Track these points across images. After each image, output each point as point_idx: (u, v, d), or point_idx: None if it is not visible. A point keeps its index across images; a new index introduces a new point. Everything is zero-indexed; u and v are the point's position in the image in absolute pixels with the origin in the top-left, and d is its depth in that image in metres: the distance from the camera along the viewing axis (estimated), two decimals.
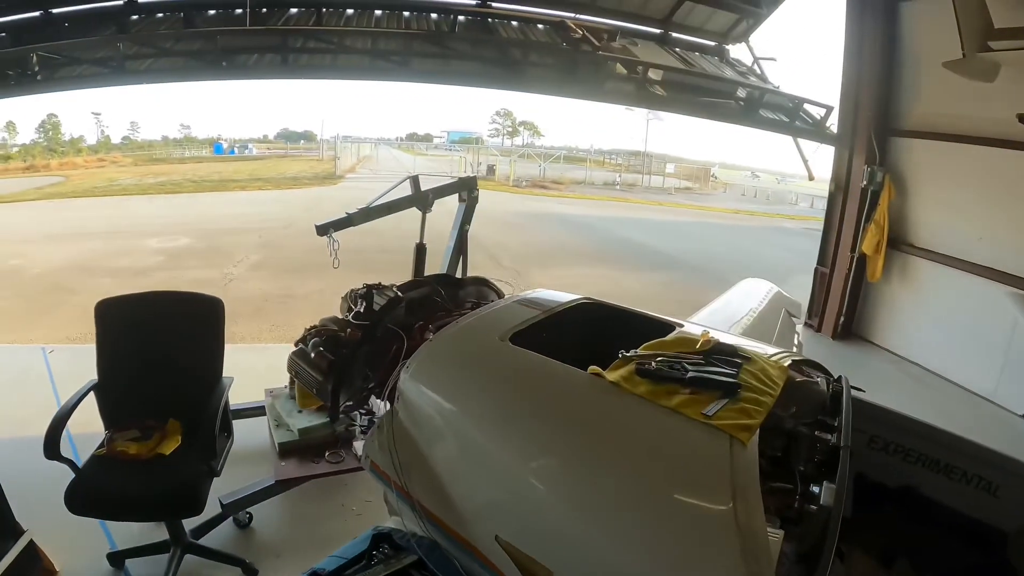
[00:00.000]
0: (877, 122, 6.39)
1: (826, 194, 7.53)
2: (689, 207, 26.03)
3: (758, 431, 1.51)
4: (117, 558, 2.90)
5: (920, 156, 6.27)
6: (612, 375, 1.71)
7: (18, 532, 2.72)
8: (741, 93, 6.56)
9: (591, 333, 2.32)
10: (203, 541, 2.98)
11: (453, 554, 1.77)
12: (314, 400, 2.81)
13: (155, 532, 2.96)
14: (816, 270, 7.47)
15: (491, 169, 32.14)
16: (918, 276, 6.44)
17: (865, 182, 6.49)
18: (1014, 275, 5.36)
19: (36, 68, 4.82)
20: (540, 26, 6.21)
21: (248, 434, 3.64)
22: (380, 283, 2.64)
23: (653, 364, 1.74)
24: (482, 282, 2.91)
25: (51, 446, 2.52)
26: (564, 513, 1.54)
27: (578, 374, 1.77)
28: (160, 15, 5.22)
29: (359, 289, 2.62)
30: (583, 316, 2.38)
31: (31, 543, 2.74)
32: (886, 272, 6.63)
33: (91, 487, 2.57)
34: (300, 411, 3.57)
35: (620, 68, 5.49)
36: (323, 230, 3.29)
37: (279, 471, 3.24)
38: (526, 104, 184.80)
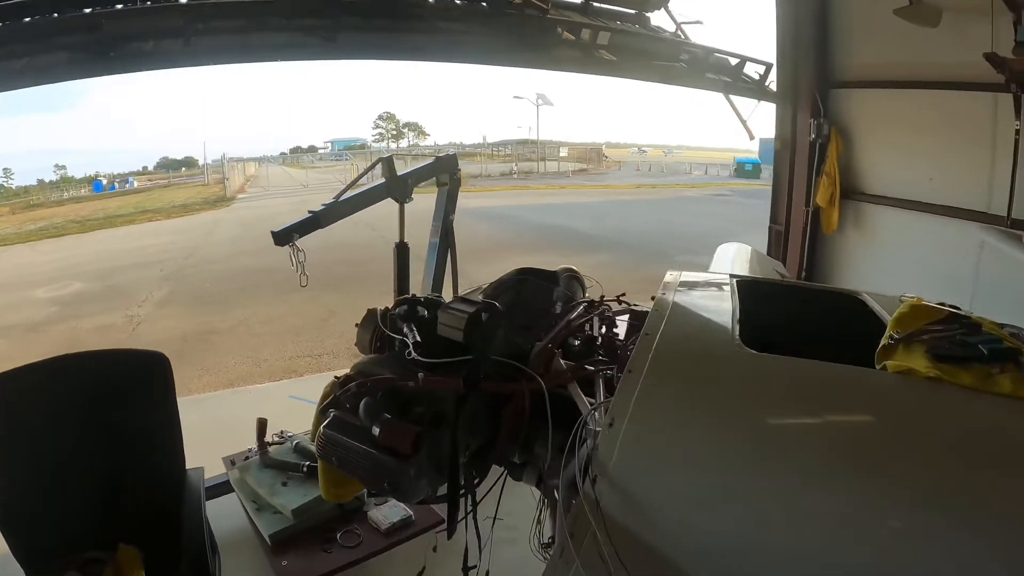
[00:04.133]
0: (817, 76, 6.32)
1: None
2: (591, 187, 26.91)
3: None
4: None
5: (863, 105, 6.25)
6: (918, 366, 1.29)
7: None
8: (684, 57, 6.24)
9: (763, 315, 1.74)
10: None
11: None
12: (350, 489, 1.77)
13: None
14: (770, 228, 7.32)
15: None
16: (874, 222, 6.41)
17: (813, 135, 6.39)
18: (969, 209, 5.37)
19: None
20: None
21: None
22: (416, 295, 1.89)
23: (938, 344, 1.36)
24: (573, 274, 2.15)
25: None
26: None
27: (877, 376, 1.31)
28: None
29: (395, 308, 1.81)
30: (748, 296, 1.80)
31: None
32: (842, 222, 6.56)
33: None
34: (284, 483, 2.79)
35: (567, 34, 5.02)
36: (283, 238, 2.52)
37: (282, 572, 2.42)
38: (409, 104, 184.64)
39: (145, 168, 69.39)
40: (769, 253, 7.25)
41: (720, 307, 1.65)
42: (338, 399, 1.57)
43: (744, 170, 40.19)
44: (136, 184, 50.72)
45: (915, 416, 1.25)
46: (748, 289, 1.83)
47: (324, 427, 1.52)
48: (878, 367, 1.33)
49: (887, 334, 1.41)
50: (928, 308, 1.52)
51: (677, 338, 1.52)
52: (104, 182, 49.41)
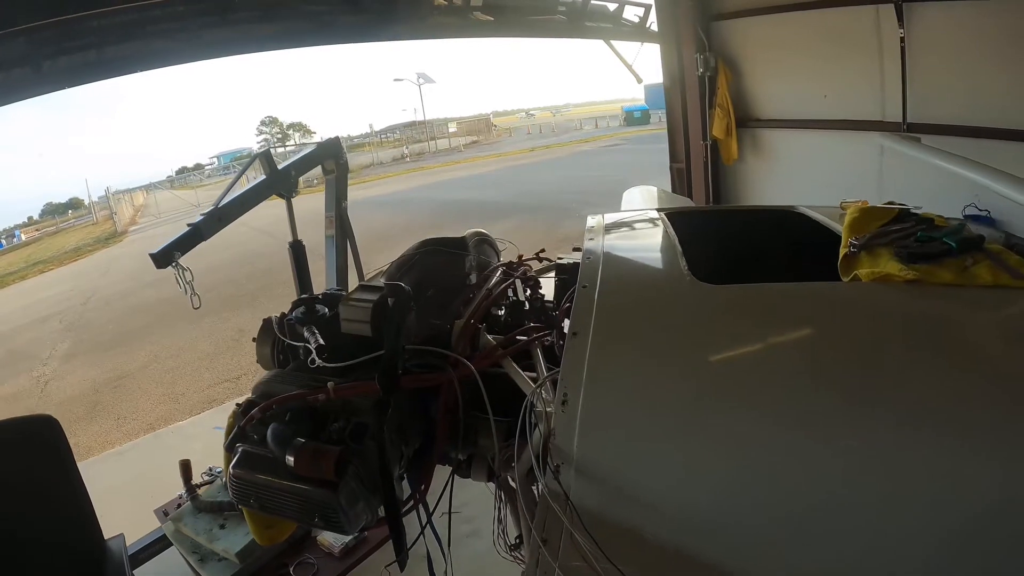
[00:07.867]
0: (697, 10, 6.36)
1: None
2: (487, 158, 27.02)
3: None
4: None
5: (747, 34, 6.33)
6: (892, 270, 1.22)
7: None
8: (561, 8, 6.15)
9: (703, 246, 1.60)
10: None
11: None
12: (283, 528, 1.60)
13: None
14: (671, 167, 7.39)
15: None
16: (773, 146, 6.53)
17: (700, 70, 6.44)
18: (865, 120, 5.54)
19: None
20: None
21: None
22: (314, 293, 1.67)
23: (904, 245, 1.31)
24: (483, 238, 1.93)
25: None
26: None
27: (853, 288, 1.22)
28: None
29: (292, 312, 1.58)
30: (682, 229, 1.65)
31: None
32: (741, 151, 6.68)
33: None
34: (223, 526, 2.55)
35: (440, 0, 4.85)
36: (164, 259, 2.23)
37: None
38: (291, 105, 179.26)
39: (31, 218, 65.26)
40: (673, 192, 7.35)
41: (658, 244, 1.52)
42: (243, 430, 1.35)
43: (633, 118, 41.33)
44: (23, 237, 47.86)
45: (914, 323, 1.17)
46: (680, 221, 1.69)
47: (232, 467, 1.31)
48: (847, 278, 1.25)
49: (845, 242, 1.33)
50: (878, 209, 1.48)
51: (620, 285, 1.36)
52: None
